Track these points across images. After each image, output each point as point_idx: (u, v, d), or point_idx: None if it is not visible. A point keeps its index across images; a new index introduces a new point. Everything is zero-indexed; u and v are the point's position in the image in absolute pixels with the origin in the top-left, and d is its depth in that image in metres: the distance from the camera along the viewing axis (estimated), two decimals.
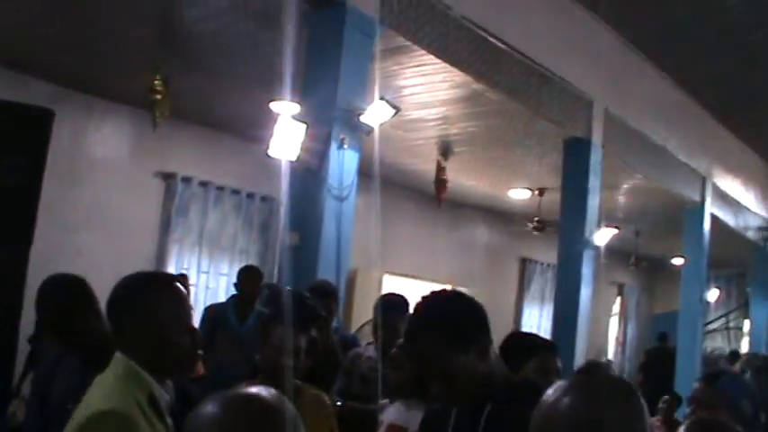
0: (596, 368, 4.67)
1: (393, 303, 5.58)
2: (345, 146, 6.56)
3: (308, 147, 6.42)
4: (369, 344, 5.94)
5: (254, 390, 1.64)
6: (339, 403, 5.28)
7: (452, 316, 2.68)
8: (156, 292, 2.66)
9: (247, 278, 6.90)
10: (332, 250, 6.45)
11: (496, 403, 2.62)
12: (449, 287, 11.70)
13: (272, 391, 1.65)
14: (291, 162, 6.40)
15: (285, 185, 6.17)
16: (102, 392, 2.48)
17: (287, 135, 6.37)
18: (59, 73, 9.24)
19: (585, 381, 1.82)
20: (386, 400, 4.79)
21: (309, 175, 6.49)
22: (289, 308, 3.67)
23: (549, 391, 1.77)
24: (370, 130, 6.73)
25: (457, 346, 2.61)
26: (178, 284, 2.69)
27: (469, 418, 2.67)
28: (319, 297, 5.57)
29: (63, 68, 9.11)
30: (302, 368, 3.79)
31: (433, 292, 2.77)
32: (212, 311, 6.94)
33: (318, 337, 4.64)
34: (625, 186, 13.18)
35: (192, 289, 10.66)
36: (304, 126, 6.38)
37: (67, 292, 3.97)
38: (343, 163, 6.58)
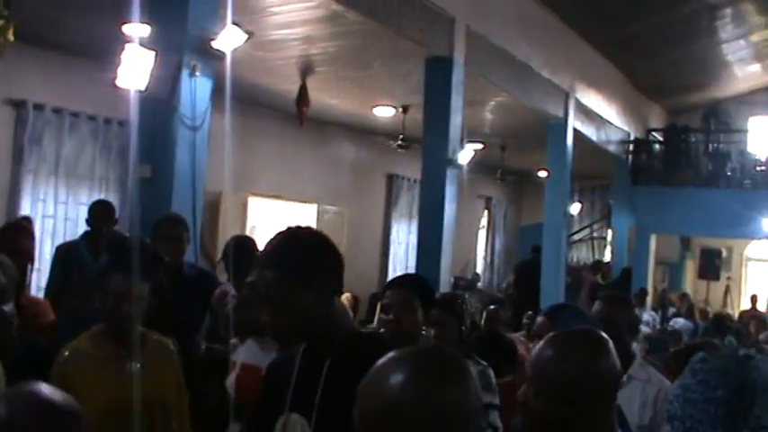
0: (452, 301, 4.65)
1: (243, 245, 5.53)
2: (197, 73, 6.35)
3: (158, 75, 6.17)
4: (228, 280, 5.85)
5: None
6: (204, 347, 5.22)
7: (299, 255, 2.60)
8: None
9: (98, 213, 6.65)
10: (186, 180, 6.27)
11: (338, 355, 2.58)
12: (314, 206, 11.61)
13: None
14: (142, 91, 6.15)
15: (134, 116, 5.94)
16: None
17: (136, 63, 6.11)
18: None
19: (417, 355, 1.75)
20: (235, 340, 4.73)
21: (160, 104, 6.26)
22: (129, 255, 3.55)
23: (383, 360, 1.70)
24: (222, 56, 6.51)
25: (300, 287, 2.55)
26: None
27: (311, 369, 2.62)
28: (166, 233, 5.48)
29: None
30: (144, 315, 3.68)
31: (287, 230, 2.69)
32: (63, 251, 6.65)
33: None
34: (491, 103, 13.26)
35: (49, 221, 10.33)
36: (153, 53, 6.13)
37: None
38: (196, 91, 6.37)
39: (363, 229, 15.96)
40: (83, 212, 10.51)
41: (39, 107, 10.19)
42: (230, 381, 4.48)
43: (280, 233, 2.68)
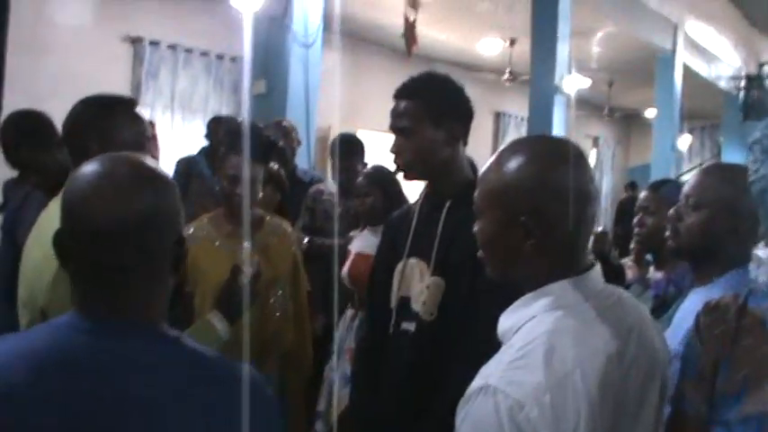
0: None
1: (350, 143, 5.64)
2: None
3: None
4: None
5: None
6: (306, 240, 5.35)
7: (436, 91, 2.79)
8: (115, 113, 2.69)
9: (217, 128, 6.86)
10: (300, 97, 6.46)
11: (458, 198, 2.69)
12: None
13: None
14: (255, 13, 6.34)
15: (248, 35, 6.13)
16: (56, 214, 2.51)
17: None
18: None
19: (528, 143, 1.89)
20: (355, 232, 4.86)
21: (274, 23, 6.44)
22: (243, 139, 3.70)
23: (500, 150, 1.85)
24: None
25: (432, 121, 2.71)
26: (136, 108, 2.73)
27: (430, 213, 2.75)
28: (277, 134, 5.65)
29: None
30: (260, 198, 3.83)
31: (428, 72, 2.88)
32: (184, 164, 6.88)
33: (282, 172, 4.69)
34: (598, 35, 13.11)
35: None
36: None
37: (17, 128, 4.00)
38: (308, 10, 6.53)
39: None
40: (198, 146, 10.89)
41: (154, 43, 10.48)
42: (345, 270, 4.63)
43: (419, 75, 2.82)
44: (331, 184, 5.75)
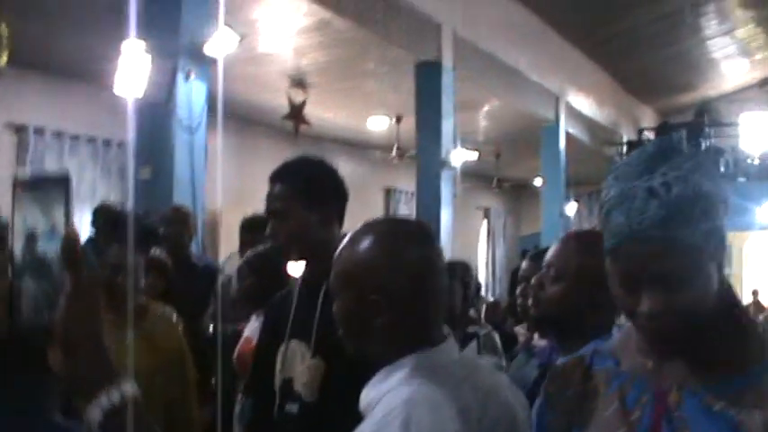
0: (457, 267, 4.80)
1: (257, 224, 5.66)
2: (192, 77, 6.55)
3: (154, 81, 6.38)
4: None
5: None
6: (211, 326, 5.35)
7: (306, 173, 2.84)
8: None
9: (100, 217, 6.80)
10: (186, 183, 6.46)
11: None
12: None
13: None
14: (139, 99, 6.36)
15: (132, 121, 6.13)
16: None
17: (132, 70, 6.32)
18: None
19: (377, 224, 1.96)
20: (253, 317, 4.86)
21: (158, 109, 6.46)
22: (122, 228, 3.70)
23: (353, 232, 1.94)
24: (215, 61, 6.72)
25: (303, 202, 2.76)
26: None
27: (309, 296, 2.78)
28: (170, 222, 5.66)
29: None
30: (142, 285, 3.82)
31: (299, 156, 2.93)
32: None
33: (167, 258, 4.68)
34: (483, 109, 13.45)
35: None
36: (149, 59, 6.34)
37: None
38: (192, 95, 6.58)
39: None
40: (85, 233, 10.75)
41: (39, 131, 10.38)
42: (234, 355, 4.61)
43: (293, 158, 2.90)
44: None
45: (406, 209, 17.20)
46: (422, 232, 1.90)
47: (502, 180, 18.25)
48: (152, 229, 4.02)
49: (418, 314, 1.85)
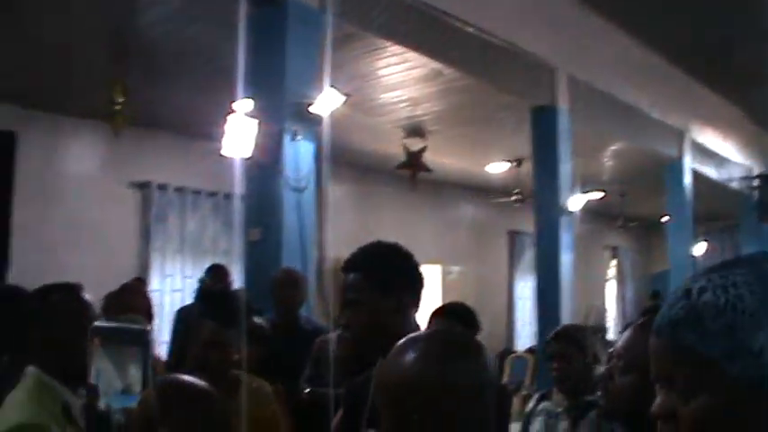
0: (573, 332, 4.66)
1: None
2: (299, 137, 6.60)
3: (262, 142, 6.46)
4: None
5: None
6: (307, 390, 5.36)
7: (380, 259, 2.76)
8: (56, 300, 2.72)
9: (214, 275, 6.95)
10: (295, 241, 6.49)
11: None
12: (437, 267, 11.51)
13: None
14: (248, 159, 6.45)
15: (240, 181, 6.22)
16: (17, 407, 2.52)
17: (239, 132, 6.42)
18: (19, 95, 9.30)
19: (428, 336, 1.87)
20: None
21: (266, 170, 6.54)
22: (218, 303, 3.72)
23: (399, 344, 1.83)
24: (321, 120, 6.76)
25: (379, 290, 2.69)
26: (77, 291, 2.75)
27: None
28: (281, 285, 5.70)
29: (21, 90, 9.16)
30: (235, 360, 3.82)
31: (371, 242, 2.84)
32: (184, 312, 6.97)
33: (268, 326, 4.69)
34: (605, 149, 13.23)
35: (177, 295, 10.70)
36: (256, 122, 6.43)
37: None
38: (299, 154, 6.62)
39: (488, 287, 15.93)
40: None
41: (162, 187, 10.67)
42: (333, 423, 4.58)
43: (367, 245, 2.83)
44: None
45: (531, 251, 17.00)
46: (474, 347, 1.81)
47: (628, 218, 17.88)
48: (248, 305, 4.01)
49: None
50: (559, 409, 4.36)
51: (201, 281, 6.85)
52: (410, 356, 1.76)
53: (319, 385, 5.48)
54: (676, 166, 14.23)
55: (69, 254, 9.76)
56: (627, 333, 2.36)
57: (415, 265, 2.81)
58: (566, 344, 4.44)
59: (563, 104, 10.42)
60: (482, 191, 15.79)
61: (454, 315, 4.41)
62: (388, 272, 2.73)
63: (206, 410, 2.11)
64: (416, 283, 2.80)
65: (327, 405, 4.89)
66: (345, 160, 11.63)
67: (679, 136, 14.17)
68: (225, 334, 3.70)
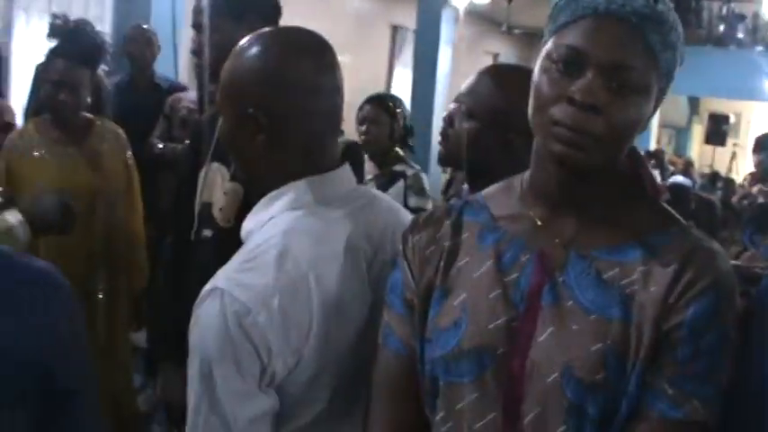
0: (378, 97, 4.74)
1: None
2: None
3: None
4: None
5: None
6: (160, 146, 5.30)
7: None
8: None
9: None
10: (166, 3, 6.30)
11: None
12: None
13: None
14: None
15: None
16: None
17: None
18: None
19: (267, 35, 1.73)
20: None
21: None
22: (71, 41, 3.57)
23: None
24: None
25: (239, 19, 2.62)
26: None
27: None
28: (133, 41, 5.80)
29: None
30: (85, 104, 3.69)
31: None
32: (41, 69, 6.69)
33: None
34: None
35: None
36: None
37: None
38: None
39: (367, 81, 15.77)
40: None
41: None
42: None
43: None
44: (192, 93, 5.63)
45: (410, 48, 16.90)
46: (317, 47, 1.69)
47: (512, 26, 17.80)
48: (98, 45, 3.77)
49: (302, 135, 1.66)
50: (369, 176, 4.40)
51: (55, 16, 6.47)
52: (249, 51, 1.66)
53: (170, 142, 5.43)
54: None
55: None
56: (471, 78, 2.17)
57: None
58: (378, 108, 4.56)
59: None
60: None
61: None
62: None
63: None
64: (269, 12, 2.69)
65: (177, 160, 4.82)
66: None
67: None
68: (76, 73, 3.55)
